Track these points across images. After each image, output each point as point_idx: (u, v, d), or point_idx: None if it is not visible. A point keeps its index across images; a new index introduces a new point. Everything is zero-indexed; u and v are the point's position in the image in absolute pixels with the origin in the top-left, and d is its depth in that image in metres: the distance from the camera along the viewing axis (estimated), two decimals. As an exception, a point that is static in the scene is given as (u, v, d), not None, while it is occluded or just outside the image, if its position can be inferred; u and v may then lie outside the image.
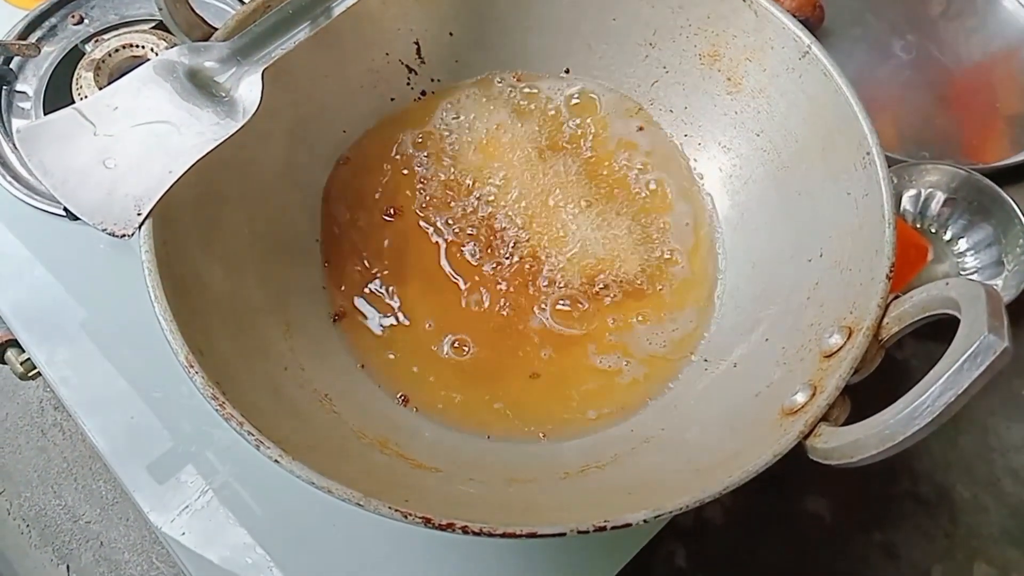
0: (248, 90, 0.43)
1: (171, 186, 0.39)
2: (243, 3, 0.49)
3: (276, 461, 0.33)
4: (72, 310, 0.56)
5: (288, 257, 0.48)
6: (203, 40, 0.45)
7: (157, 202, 0.39)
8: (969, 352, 0.30)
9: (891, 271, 0.39)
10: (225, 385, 0.35)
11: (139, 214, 0.38)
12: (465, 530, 0.32)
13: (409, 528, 0.33)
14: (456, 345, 0.48)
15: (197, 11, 0.45)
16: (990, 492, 0.56)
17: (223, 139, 0.41)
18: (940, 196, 0.65)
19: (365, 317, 0.49)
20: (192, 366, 0.35)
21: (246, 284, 0.44)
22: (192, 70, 0.43)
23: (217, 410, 0.34)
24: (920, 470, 0.56)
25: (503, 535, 0.32)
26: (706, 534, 0.53)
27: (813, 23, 0.72)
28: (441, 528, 0.32)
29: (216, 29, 0.45)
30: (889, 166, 0.42)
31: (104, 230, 0.38)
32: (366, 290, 0.50)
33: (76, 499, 0.63)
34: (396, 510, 0.32)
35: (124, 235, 0.38)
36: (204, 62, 0.43)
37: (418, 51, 0.54)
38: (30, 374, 0.58)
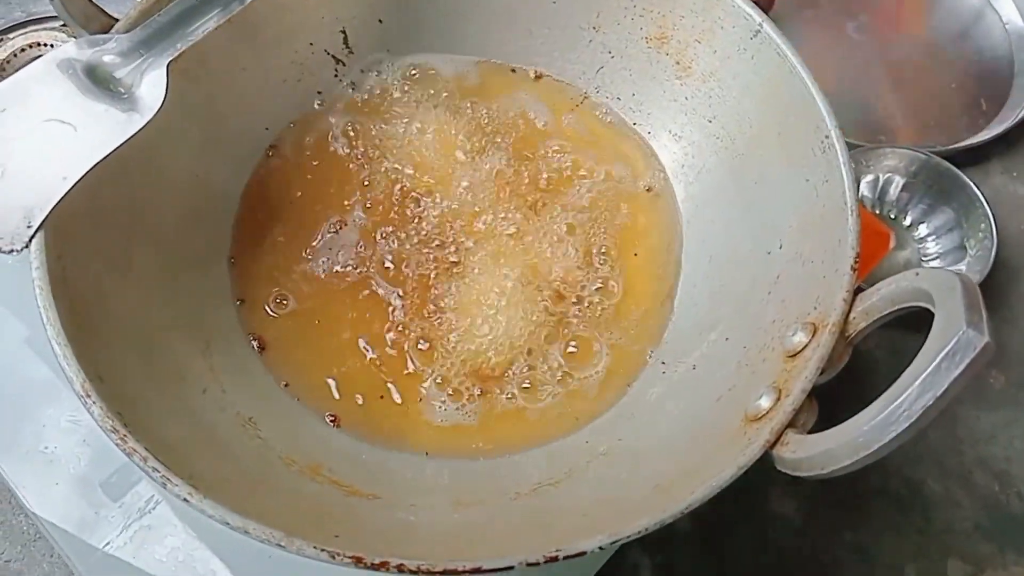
0: (151, 85, 0.39)
1: (66, 193, 0.35)
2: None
3: (185, 500, 0.30)
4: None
5: (204, 268, 0.44)
6: (102, 32, 0.41)
7: (50, 212, 0.35)
8: (947, 350, 0.27)
9: (856, 262, 0.37)
10: (128, 415, 0.32)
11: (29, 226, 0.35)
12: (401, 569, 0.29)
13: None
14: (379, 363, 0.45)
15: (95, 1, 0.41)
16: (962, 485, 0.55)
17: (124, 140, 0.37)
18: (899, 180, 0.63)
19: (280, 337, 0.45)
20: (89, 396, 0.32)
21: (156, 299, 0.40)
22: (90, 65, 0.39)
23: (118, 444, 0.31)
24: (890, 465, 0.54)
25: (443, 572, 0.29)
26: (672, 543, 0.51)
27: (763, 6, 0.69)
28: (374, 567, 0.29)
29: (117, 20, 0.42)
30: (846, 150, 0.40)
31: (-12, 245, 0.34)
32: (279, 307, 0.46)
33: (-6, 536, 0.58)
34: (322, 550, 0.29)
35: (12, 250, 0.35)
36: (103, 56, 0.39)
37: (345, 40, 0.51)
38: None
